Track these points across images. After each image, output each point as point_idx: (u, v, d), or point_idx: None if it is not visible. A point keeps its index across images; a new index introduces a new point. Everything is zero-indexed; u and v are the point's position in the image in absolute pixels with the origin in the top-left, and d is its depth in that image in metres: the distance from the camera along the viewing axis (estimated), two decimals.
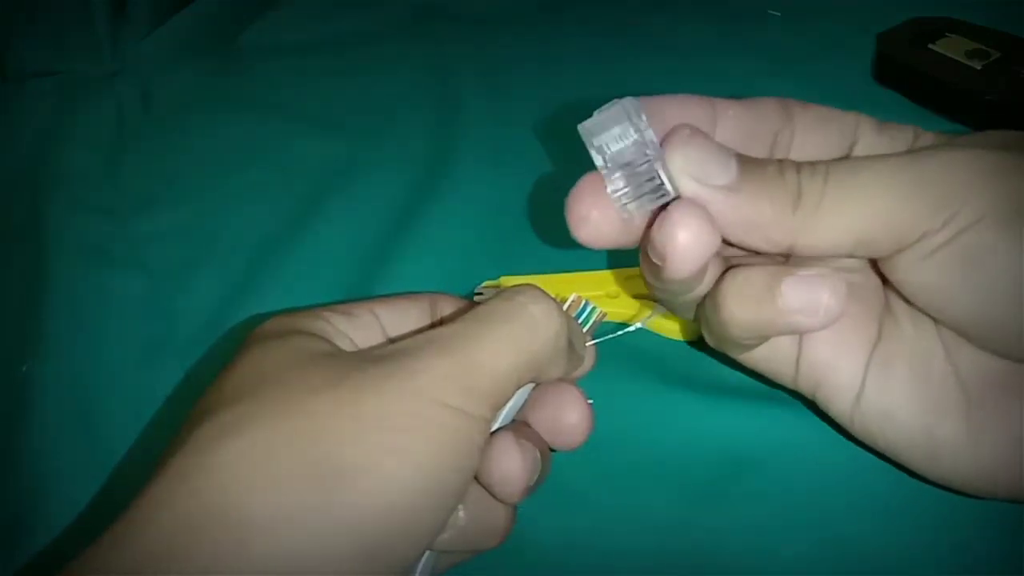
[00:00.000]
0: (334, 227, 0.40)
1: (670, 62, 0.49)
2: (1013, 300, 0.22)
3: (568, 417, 0.24)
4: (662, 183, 0.22)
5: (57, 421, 0.32)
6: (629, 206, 0.22)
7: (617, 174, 0.22)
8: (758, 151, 0.24)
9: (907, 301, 0.24)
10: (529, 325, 0.22)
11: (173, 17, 0.52)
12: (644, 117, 0.22)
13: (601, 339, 0.26)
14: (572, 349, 0.24)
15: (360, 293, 0.37)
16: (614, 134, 0.22)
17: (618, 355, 0.32)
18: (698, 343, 0.33)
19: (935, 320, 0.24)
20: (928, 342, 0.25)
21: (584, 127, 0.22)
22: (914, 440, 0.24)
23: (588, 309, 0.25)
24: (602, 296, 0.34)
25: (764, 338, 0.25)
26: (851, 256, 0.24)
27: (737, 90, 0.48)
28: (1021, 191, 0.21)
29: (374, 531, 0.19)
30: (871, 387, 0.25)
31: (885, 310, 0.26)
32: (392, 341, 0.24)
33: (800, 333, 0.25)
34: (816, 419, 0.29)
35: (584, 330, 0.25)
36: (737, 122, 0.24)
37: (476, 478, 0.23)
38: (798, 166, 0.23)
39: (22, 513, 0.29)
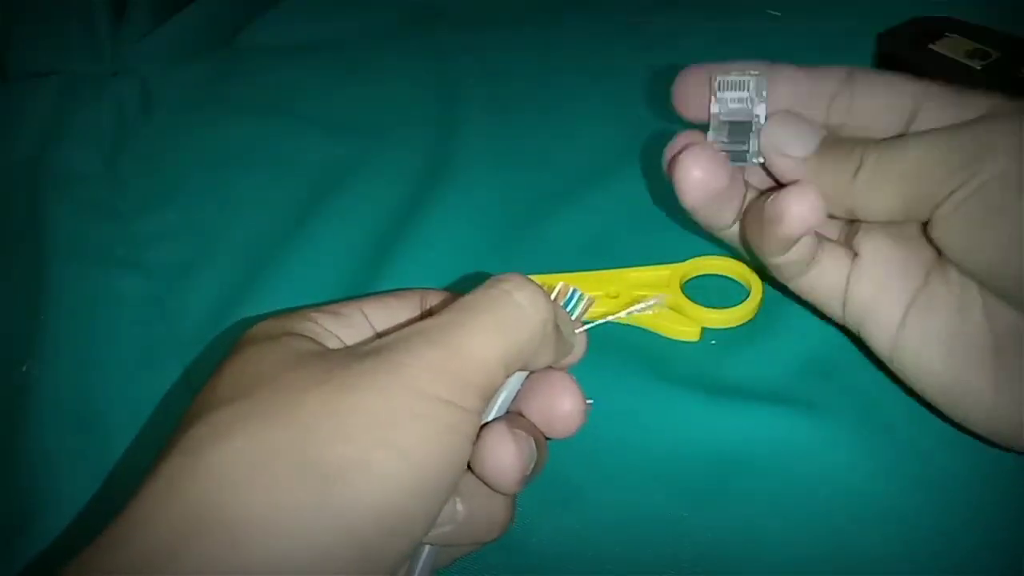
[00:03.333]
0: (334, 227, 0.40)
1: (670, 62, 0.49)
2: None
3: (561, 405, 0.24)
4: (747, 149, 0.26)
5: (57, 421, 0.32)
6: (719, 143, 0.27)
7: (722, 126, 0.27)
8: (814, 110, 0.28)
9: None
10: (514, 312, 0.22)
11: (173, 17, 0.52)
12: (765, 95, 0.26)
13: (591, 324, 0.26)
14: (561, 336, 0.24)
15: (359, 293, 0.36)
16: (738, 96, 0.26)
17: (618, 355, 0.32)
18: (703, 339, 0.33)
19: (968, 275, 0.26)
20: (970, 295, 0.26)
21: (720, 79, 0.26)
22: (943, 382, 0.26)
23: (576, 296, 0.25)
24: (602, 296, 0.34)
25: (777, 252, 0.28)
26: (905, 219, 0.26)
27: None
28: None
29: (366, 527, 0.19)
30: (910, 329, 0.27)
31: (935, 261, 0.27)
32: (380, 337, 0.24)
33: (793, 241, 0.27)
34: (816, 419, 0.29)
35: (573, 318, 0.25)
36: (795, 83, 0.27)
37: (472, 470, 0.23)
38: (866, 146, 0.26)
39: (22, 513, 0.29)
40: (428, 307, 0.26)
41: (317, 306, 0.25)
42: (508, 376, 0.22)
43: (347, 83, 0.50)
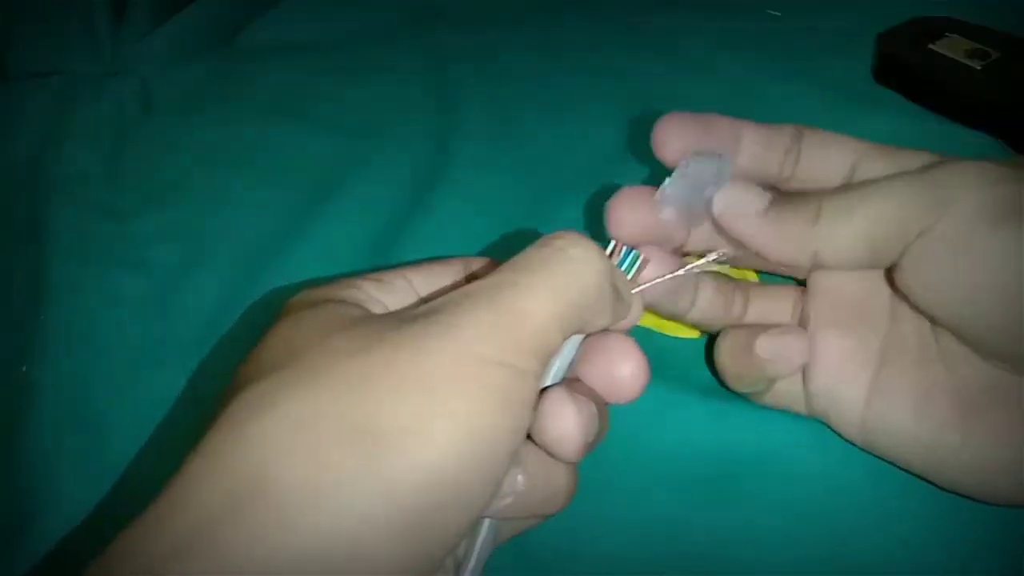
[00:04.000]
0: (334, 227, 0.40)
1: (670, 62, 0.49)
2: (1002, 295, 0.23)
3: (622, 368, 0.23)
4: (701, 206, 0.27)
5: (57, 421, 0.32)
6: (667, 211, 0.27)
7: (681, 184, 0.27)
8: (769, 163, 0.28)
9: (914, 308, 0.26)
10: (569, 269, 0.21)
11: (173, 17, 0.52)
12: (728, 172, 0.27)
13: (648, 283, 0.25)
14: (618, 295, 0.23)
15: None
16: (703, 163, 0.27)
17: None
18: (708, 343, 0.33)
19: (935, 323, 0.25)
20: (931, 361, 0.26)
21: (694, 149, 0.27)
22: (919, 453, 0.26)
23: (631, 255, 0.24)
24: None
25: (755, 383, 0.28)
26: (870, 266, 0.25)
27: (737, 90, 0.48)
28: (1014, 195, 0.23)
29: (420, 497, 0.18)
30: (874, 411, 0.27)
31: (890, 334, 0.27)
32: (425, 301, 0.23)
33: (777, 378, 0.28)
34: (815, 420, 0.29)
35: (628, 277, 0.24)
36: (755, 139, 0.28)
37: (532, 438, 0.22)
38: (820, 196, 0.26)
39: (22, 513, 0.29)
40: (472, 273, 0.25)
41: (359, 273, 0.24)
42: (566, 338, 0.21)
43: (347, 83, 0.50)
